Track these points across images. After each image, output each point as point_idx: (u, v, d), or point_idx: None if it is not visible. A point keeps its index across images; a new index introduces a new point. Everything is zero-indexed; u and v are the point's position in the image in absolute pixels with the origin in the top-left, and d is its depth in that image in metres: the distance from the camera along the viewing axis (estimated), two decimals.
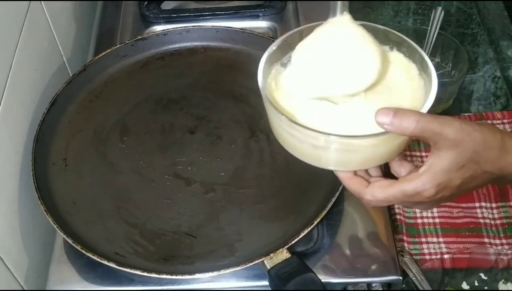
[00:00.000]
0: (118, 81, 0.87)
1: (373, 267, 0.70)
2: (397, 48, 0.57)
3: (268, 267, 0.65)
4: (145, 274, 0.65)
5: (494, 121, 0.96)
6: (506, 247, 0.83)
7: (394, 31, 0.57)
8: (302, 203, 0.73)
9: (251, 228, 0.71)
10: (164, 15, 0.99)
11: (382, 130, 0.49)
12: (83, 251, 0.66)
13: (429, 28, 0.93)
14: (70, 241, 0.67)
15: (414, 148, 0.93)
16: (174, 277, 0.65)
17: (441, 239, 0.84)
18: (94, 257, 0.66)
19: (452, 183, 0.51)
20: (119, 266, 0.65)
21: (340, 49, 0.52)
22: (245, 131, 0.80)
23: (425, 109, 0.50)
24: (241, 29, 0.90)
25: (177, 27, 0.91)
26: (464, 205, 0.87)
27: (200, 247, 0.70)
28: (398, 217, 0.86)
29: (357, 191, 0.55)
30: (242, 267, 0.65)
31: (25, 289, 0.73)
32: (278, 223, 0.71)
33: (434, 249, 0.83)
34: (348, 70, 0.52)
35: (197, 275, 0.65)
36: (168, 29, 0.91)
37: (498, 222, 0.85)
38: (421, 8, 1.15)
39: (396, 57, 0.57)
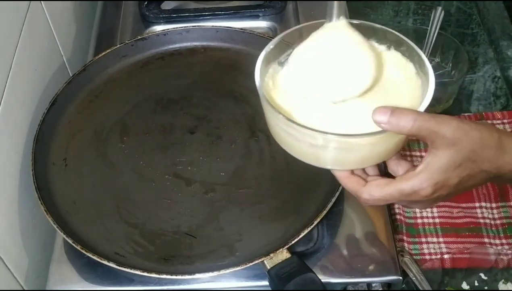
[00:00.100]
0: (118, 81, 0.87)
1: (373, 267, 0.70)
2: (394, 47, 0.57)
3: (268, 267, 0.65)
4: (145, 274, 0.65)
5: (494, 121, 0.96)
6: (506, 247, 0.83)
7: (391, 30, 0.57)
8: (302, 203, 0.73)
9: (251, 228, 0.71)
10: (164, 15, 0.99)
11: (380, 129, 0.49)
12: (83, 251, 0.66)
13: (429, 28, 0.93)
14: (70, 241, 0.67)
15: (414, 148, 0.93)
16: (174, 277, 0.65)
17: (441, 239, 0.84)
18: (94, 257, 0.66)
19: (449, 181, 0.51)
20: (119, 266, 0.65)
21: (336, 55, 0.52)
22: (245, 131, 0.80)
23: (422, 108, 0.51)
24: (241, 29, 0.90)
25: (177, 27, 0.91)
26: (464, 205, 0.87)
27: (200, 247, 0.70)
28: (398, 217, 0.86)
29: (354, 190, 0.55)
30: (242, 267, 0.65)
31: (25, 289, 0.73)
32: (278, 223, 0.71)
33: (434, 249, 0.83)
34: (343, 76, 0.52)
35: (197, 275, 0.65)
36: (168, 29, 0.91)
37: (498, 222, 0.85)
38: (421, 8, 1.15)
39: (394, 56, 0.57)
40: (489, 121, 0.96)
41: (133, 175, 0.76)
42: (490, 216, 0.86)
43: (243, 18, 0.99)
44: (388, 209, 0.76)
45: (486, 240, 0.84)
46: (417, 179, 0.51)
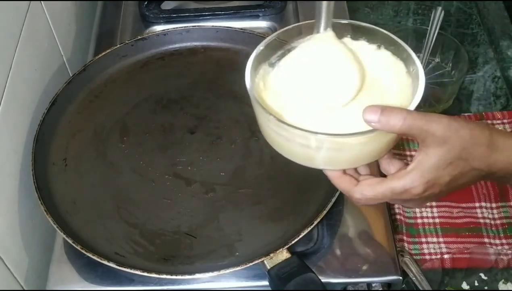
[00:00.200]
0: (118, 81, 0.87)
1: (373, 267, 0.70)
2: (384, 46, 0.57)
3: (268, 267, 0.65)
4: (145, 274, 0.65)
5: (494, 121, 0.96)
6: (506, 247, 0.83)
7: (381, 29, 0.57)
8: (302, 203, 0.73)
9: (251, 228, 0.71)
10: (164, 15, 0.99)
11: (370, 128, 0.49)
12: (83, 251, 0.66)
13: (429, 28, 0.93)
14: (70, 241, 0.67)
15: (414, 148, 0.93)
16: (174, 277, 0.65)
17: (441, 239, 0.84)
18: (94, 257, 0.66)
19: (440, 180, 0.51)
20: (119, 266, 0.65)
21: (322, 66, 0.53)
22: (245, 131, 0.80)
23: (412, 106, 0.51)
24: (241, 29, 0.90)
25: (177, 27, 0.91)
26: (464, 205, 0.87)
27: (200, 247, 0.70)
28: (398, 217, 0.86)
29: (346, 189, 0.55)
30: (242, 267, 0.65)
31: (25, 289, 0.73)
32: (278, 223, 0.71)
33: (434, 249, 0.83)
34: (328, 87, 0.52)
35: (197, 275, 0.65)
36: (168, 29, 0.91)
37: (498, 222, 0.85)
38: (421, 8, 1.15)
39: (384, 56, 0.57)
40: (489, 121, 0.96)
41: (133, 175, 0.76)
42: (490, 216, 0.86)
43: (243, 18, 0.99)
44: (388, 209, 0.76)
45: (486, 240, 0.84)
46: (408, 178, 0.51)
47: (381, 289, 0.70)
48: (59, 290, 0.70)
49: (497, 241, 0.84)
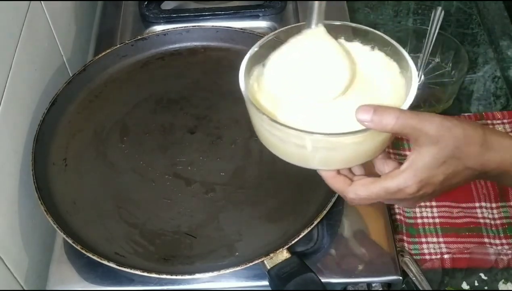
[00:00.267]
0: (118, 81, 0.87)
1: (373, 267, 0.70)
2: (378, 47, 0.58)
3: (268, 267, 0.65)
4: (145, 274, 0.65)
5: (494, 121, 0.96)
6: (506, 247, 0.83)
7: (375, 30, 0.57)
8: (302, 203, 0.73)
9: (251, 228, 0.71)
10: (164, 15, 0.99)
11: (363, 127, 0.49)
12: (83, 251, 0.66)
13: (429, 28, 0.93)
14: (70, 241, 0.67)
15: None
16: (174, 277, 0.65)
17: (441, 239, 0.84)
18: (94, 257, 0.66)
19: (434, 179, 0.51)
20: (119, 266, 0.65)
21: (312, 60, 0.53)
22: (245, 131, 0.80)
23: (405, 106, 0.51)
24: (241, 29, 0.90)
25: (177, 27, 0.91)
26: (464, 205, 0.87)
27: (200, 247, 0.70)
28: (398, 217, 0.86)
29: (340, 189, 0.55)
30: (242, 267, 0.65)
31: (25, 289, 0.73)
32: (278, 223, 0.71)
33: (434, 249, 0.83)
34: (318, 81, 0.53)
35: (197, 275, 0.65)
36: (168, 29, 0.91)
37: (498, 222, 0.85)
38: (421, 8, 1.15)
39: (378, 57, 0.57)
40: (489, 121, 0.96)
41: (133, 175, 0.76)
42: (490, 216, 0.86)
43: (243, 18, 0.99)
44: (388, 209, 0.76)
45: (486, 240, 0.84)
46: (402, 177, 0.51)
47: (381, 289, 0.70)
48: (59, 290, 0.70)
49: (497, 241, 0.84)
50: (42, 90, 0.83)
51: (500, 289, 0.80)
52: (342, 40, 0.58)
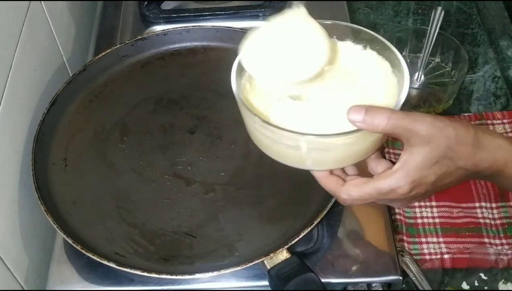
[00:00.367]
0: (118, 81, 0.87)
1: (373, 267, 0.70)
2: (370, 46, 0.58)
3: (268, 267, 0.65)
4: (145, 274, 0.65)
5: (494, 121, 0.96)
6: (506, 247, 0.83)
7: (366, 29, 0.57)
8: (302, 203, 0.73)
9: (251, 228, 0.71)
10: (164, 15, 0.99)
11: (355, 128, 0.49)
12: (83, 251, 0.66)
13: (429, 28, 0.93)
14: (70, 241, 0.67)
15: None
16: (174, 277, 0.65)
17: (441, 239, 0.84)
18: (94, 257, 0.66)
19: (426, 179, 0.51)
20: (119, 266, 0.65)
21: (290, 39, 0.53)
22: (245, 131, 0.79)
23: (397, 106, 0.51)
24: (241, 29, 0.90)
25: (177, 27, 0.91)
26: (464, 205, 0.87)
27: (200, 247, 0.70)
28: (398, 217, 0.86)
29: (333, 190, 0.55)
30: (242, 267, 0.65)
31: (25, 289, 0.73)
32: (278, 223, 0.71)
33: (434, 249, 0.83)
34: (296, 59, 0.52)
35: (197, 275, 0.65)
36: (168, 29, 0.91)
37: (498, 222, 0.85)
38: (421, 8, 1.15)
39: (370, 56, 0.57)
40: (489, 121, 0.96)
41: (133, 175, 0.76)
42: (490, 216, 0.86)
43: (243, 18, 0.99)
44: (388, 209, 0.76)
45: (486, 240, 0.84)
46: (394, 177, 0.51)
47: (381, 289, 0.70)
48: (59, 290, 0.70)
49: (497, 241, 0.84)
50: (42, 90, 0.83)
51: (500, 289, 0.80)
52: (334, 40, 0.58)
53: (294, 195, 0.74)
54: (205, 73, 0.88)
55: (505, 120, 0.96)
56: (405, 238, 0.84)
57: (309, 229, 0.67)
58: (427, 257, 0.82)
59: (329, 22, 0.57)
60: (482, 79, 1.04)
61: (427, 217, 0.86)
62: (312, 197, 0.73)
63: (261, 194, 0.74)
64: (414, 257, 0.82)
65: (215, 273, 0.65)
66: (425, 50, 0.95)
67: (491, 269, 0.81)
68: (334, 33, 0.58)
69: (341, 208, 0.75)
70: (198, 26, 0.92)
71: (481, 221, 0.86)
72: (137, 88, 0.87)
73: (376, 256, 0.71)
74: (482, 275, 0.81)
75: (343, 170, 0.58)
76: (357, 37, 0.58)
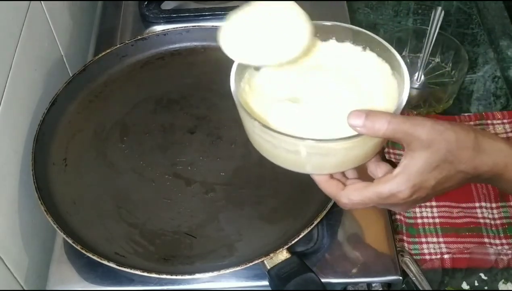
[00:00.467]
0: (118, 81, 0.87)
1: (373, 267, 0.70)
2: (370, 48, 0.57)
3: (268, 267, 0.65)
4: (145, 274, 0.65)
5: (494, 121, 0.96)
6: (506, 247, 0.83)
7: (366, 31, 0.57)
8: (302, 203, 0.73)
9: (251, 228, 0.71)
10: (164, 15, 0.99)
11: (355, 132, 0.49)
12: (83, 251, 0.66)
13: (429, 28, 0.93)
14: (70, 241, 0.67)
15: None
16: (174, 277, 0.65)
17: (441, 239, 0.84)
18: (94, 257, 0.66)
19: (426, 183, 0.51)
20: (119, 266, 0.65)
21: (271, 21, 0.53)
22: (245, 131, 0.80)
23: (398, 110, 0.50)
24: None
25: (177, 27, 0.91)
26: (464, 205, 0.87)
27: (200, 247, 0.70)
28: (398, 217, 0.86)
29: (333, 194, 0.55)
30: (242, 267, 0.65)
31: (25, 289, 0.73)
32: (278, 223, 0.71)
33: (434, 249, 0.83)
34: (278, 40, 0.52)
35: (197, 275, 0.65)
36: (168, 29, 0.91)
37: (498, 222, 0.85)
38: (421, 8, 1.15)
39: (369, 57, 0.57)
40: (489, 121, 0.96)
41: (133, 175, 0.76)
42: (490, 216, 0.86)
43: None
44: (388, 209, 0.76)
45: (486, 240, 0.84)
46: (395, 182, 0.51)
47: (381, 289, 0.70)
48: (59, 290, 0.70)
49: (497, 241, 0.84)
50: (42, 90, 0.83)
51: (500, 289, 0.80)
52: (333, 41, 0.58)
53: (294, 195, 0.74)
54: (205, 73, 0.88)
55: (505, 120, 0.96)
56: (405, 238, 0.84)
57: (309, 229, 0.67)
58: (427, 257, 0.82)
59: (328, 23, 0.57)
60: (482, 79, 1.04)
61: (427, 217, 0.86)
62: (312, 197, 0.73)
63: (261, 194, 0.74)
64: (414, 257, 0.82)
65: (215, 273, 0.65)
66: (425, 50, 0.95)
67: (491, 269, 0.81)
68: (333, 34, 0.58)
69: (341, 208, 0.75)
70: (198, 26, 0.92)
71: (481, 221, 0.86)
72: (137, 88, 0.87)
73: (376, 256, 0.71)
74: (482, 275, 0.81)
75: (343, 173, 0.57)
76: (356, 39, 0.57)
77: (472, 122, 0.96)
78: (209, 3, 1.01)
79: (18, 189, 0.73)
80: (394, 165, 0.55)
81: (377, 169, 0.55)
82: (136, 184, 0.76)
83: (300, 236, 0.66)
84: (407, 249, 0.83)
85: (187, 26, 0.91)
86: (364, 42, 0.57)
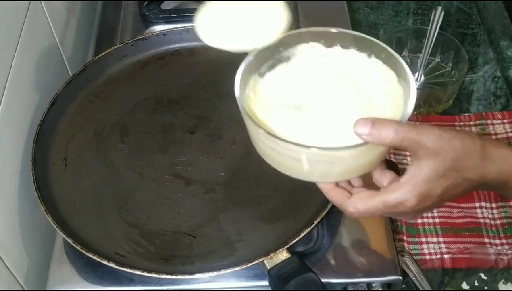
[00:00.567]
0: (118, 81, 0.87)
1: (373, 267, 0.70)
2: (375, 55, 0.56)
3: (268, 267, 0.65)
4: (145, 274, 0.65)
5: (494, 121, 0.96)
6: (506, 247, 0.83)
7: (371, 38, 0.56)
8: (302, 203, 0.73)
9: (251, 228, 0.71)
10: (164, 15, 0.99)
11: (361, 141, 0.49)
12: (83, 251, 0.66)
13: (429, 28, 0.93)
14: (70, 241, 0.67)
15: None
16: (174, 277, 0.65)
17: (441, 239, 0.84)
18: (94, 257, 0.66)
19: (433, 192, 0.50)
20: (119, 266, 0.65)
21: (247, 7, 0.53)
22: (245, 131, 0.79)
23: (404, 118, 0.50)
24: None
25: (177, 27, 0.91)
26: (464, 205, 0.87)
27: (200, 247, 0.70)
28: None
29: (339, 202, 0.55)
30: (242, 267, 0.65)
31: (25, 289, 0.73)
32: (278, 223, 0.71)
33: (434, 249, 0.83)
34: (254, 26, 0.53)
35: (197, 275, 0.65)
36: (168, 29, 0.91)
37: (498, 222, 0.85)
38: (421, 8, 1.15)
39: (374, 64, 0.56)
40: (489, 121, 0.96)
41: (133, 175, 0.76)
42: (490, 216, 0.86)
43: None
44: None
45: (486, 240, 0.84)
46: (401, 190, 0.50)
47: (381, 289, 0.70)
48: (59, 290, 0.70)
49: (497, 241, 0.84)
50: (42, 90, 0.83)
51: (500, 289, 0.80)
52: (338, 48, 0.57)
53: (294, 195, 0.74)
54: (205, 73, 0.88)
55: (505, 120, 0.96)
56: (405, 238, 0.84)
57: (309, 229, 0.67)
58: (427, 257, 0.82)
59: (333, 30, 0.56)
60: (482, 79, 1.04)
61: (427, 217, 0.86)
62: (312, 197, 0.73)
63: (261, 194, 0.74)
64: (414, 257, 0.82)
65: (215, 273, 0.65)
66: (425, 50, 0.95)
67: (491, 269, 0.81)
68: (338, 41, 0.57)
69: None
70: None
71: (481, 221, 0.86)
72: (137, 88, 0.87)
73: (376, 256, 0.71)
74: (482, 275, 0.81)
75: (348, 181, 0.57)
76: (361, 45, 0.57)
77: (472, 122, 0.96)
78: None
79: (18, 189, 0.73)
80: (397, 169, 0.54)
81: (382, 177, 0.55)
82: (136, 184, 0.76)
83: (300, 236, 0.66)
84: (407, 249, 0.83)
85: (187, 26, 0.91)
86: (369, 49, 0.56)
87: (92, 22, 1.03)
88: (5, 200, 0.70)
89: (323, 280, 0.66)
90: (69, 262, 0.71)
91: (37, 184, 0.71)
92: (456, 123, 0.96)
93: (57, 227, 0.68)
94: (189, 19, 0.98)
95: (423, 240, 0.84)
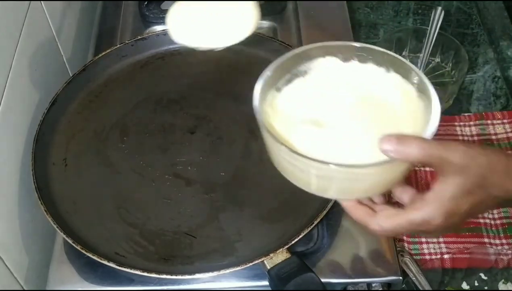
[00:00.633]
0: (118, 81, 0.87)
1: (373, 267, 0.70)
2: (394, 69, 0.55)
3: (268, 267, 0.65)
4: (145, 274, 0.65)
5: (494, 121, 0.96)
6: (506, 247, 0.83)
7: (390, 52, 0.55)
8: (302, 203, 0.72)
9: (251, 228, 0.71)
10: (164, 15, 0.98)
11: (384, 157, 0.48)
12: (83, 251, 0.66)
13: (429, 28, 0.93)
14: (70, 241, 0.67)
15: None
16: (174, 277, 0.65)
17: (441, 239, 0.84)
18: (94, 257, 0.66)
19: (459, 209, 0.49)
20: (119, 266, 0.65)
21: (218, 6, 0.53)
22: (245, 131, 0.80)
23: (429, 134, 0.49)
24: None
25: None
26: None
27: (200, 247, 0.70)
28: None
29: (363, 220, 0.54)
30: (242, 267, 0.65)
31: (25, 289, 0.73)
32: (278, 223, 0.71)
33: (434, 249, 0.83)
34: (224, 24, 0.53)
35: (197, 275, 0.65)
36: (168, 29, 0.90)
37: (498, 222, 0.85)
38: (421, 8, 1.15)
39: (393, 79, 0.55)
40: (489, 121, 0.96)
41: (133, 175, 0.76)
42: (490, 216, 0.86)
43: None
44: None
45: (486, 240, 0.84)
46: (427, 209, 0.49)
47: (381, 289, 0.70)
48: (59, 290, 0.70)
49: (497, 241, 0.84)
50: (42, 90, 0.83)
51: (500, 289, 0.80)
52: (355, 62, 0.56)
53: (294, 194, 0.73)
54: (205, 73, 0.88)
55: (505, 120, 0.96)
56: (405, 238, 0.84)
57: (309, 229, 0.67)
58: (427, 257, 0.82)
59: (357, 44, 0.55)
60: (482, 79, 1.04)
61: None
62: (312, 196, 0.72)
63: (261, 194, 0.74)
64: (414, 257, 0.82)
65: (215, 273, 0.65)
66: (425, 50, 0.95)
67: (491, 269, 0.81)
68: (355, 55, 0.56)
69: (341, 208, 0.75)
70: None
71: (481, 221, 0.86)
72: (137, 88, 0.87)
73: (376, 256, 0.71)
74: (482, 275, 0.81)
75: (370, 197, 0.56)
76: (379, 60, 0.55)
77: (472, 122, 0.96)
78: None
79: (18, 189, 0.73)
80: (417, 187, 0.53)
81: (403, 193, 0.54)
82: (136, 184, 0.76)
83: (300, 236, 0.66)
84: (407, 249, 0.83)
85: None
86: (387, 63, 0.55)
87: (92, 22, 1.03)
88: (5, 200, 0.70)
89: (323, 280, 0.66)
90: (69, 262, 0.71)
91: (37, 184, 0.71)
92: (456, 123, 0.96)
93: (57, 227, 0.68)
94: None
95: (423, 240, 0.84)
